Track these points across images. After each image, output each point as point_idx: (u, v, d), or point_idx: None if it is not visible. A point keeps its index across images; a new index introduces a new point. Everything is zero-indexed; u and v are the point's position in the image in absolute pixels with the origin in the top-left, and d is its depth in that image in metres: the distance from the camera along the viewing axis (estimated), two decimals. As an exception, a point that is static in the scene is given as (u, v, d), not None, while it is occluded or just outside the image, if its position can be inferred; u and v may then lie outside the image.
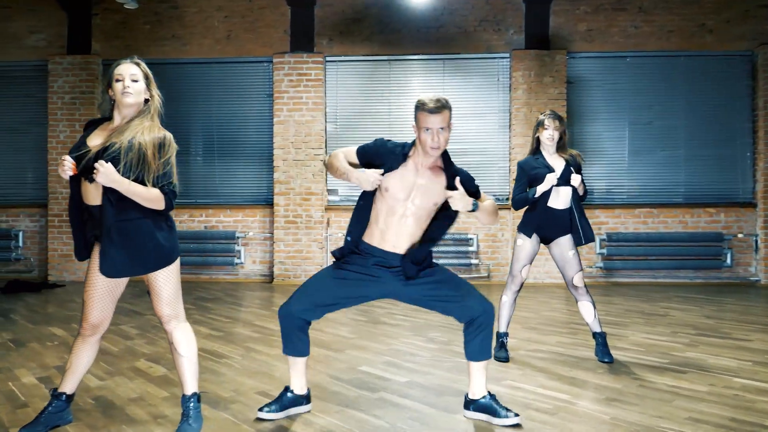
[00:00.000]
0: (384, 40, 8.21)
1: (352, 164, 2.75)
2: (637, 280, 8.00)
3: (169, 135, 2.50)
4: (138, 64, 2.49)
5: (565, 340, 4.57)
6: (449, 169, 2.75)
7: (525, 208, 4.04)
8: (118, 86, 2.46)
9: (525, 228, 3.97)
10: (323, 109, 8.14)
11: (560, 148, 3.94)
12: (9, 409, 2.95)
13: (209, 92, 8.35)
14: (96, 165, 2.31)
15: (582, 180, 3.88)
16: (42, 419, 2.53)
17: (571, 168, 3.87)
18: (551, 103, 7.91)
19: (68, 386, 2.58)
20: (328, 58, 8.20)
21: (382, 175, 2.66)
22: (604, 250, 7.93)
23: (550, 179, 3.79)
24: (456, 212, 2.76)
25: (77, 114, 8.15)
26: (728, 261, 7.97)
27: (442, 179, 2.74)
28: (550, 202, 3.89)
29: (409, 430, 2.70)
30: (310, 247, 8.06)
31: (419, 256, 2.72)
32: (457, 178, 2.69)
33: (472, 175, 2.83)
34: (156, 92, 2.53)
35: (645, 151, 8.15)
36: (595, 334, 3.99)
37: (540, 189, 3.83)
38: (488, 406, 2.78)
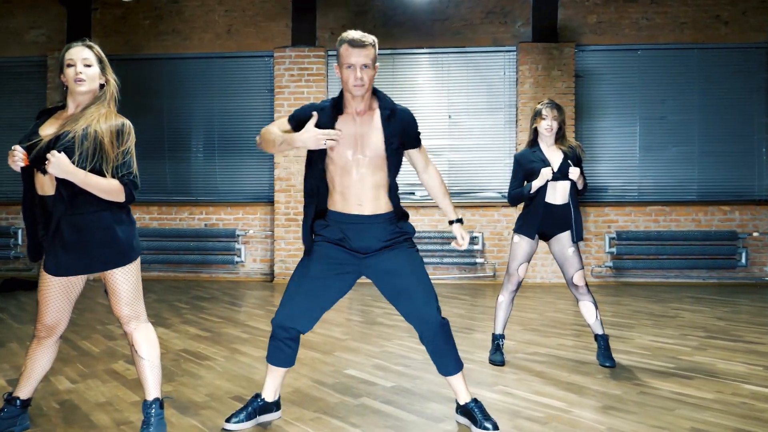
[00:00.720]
0: (387, 33, 8.02)
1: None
2: (648, 280, 7.73)
3: (127, 122, 2.35)
4: (90, 47, 2.34)
5: (567, 343, 4.36)
6: (384, 107, 2.53)
7: (522, 206, 3.84)
8: (69, 72, 2.30)
9: (523, 229, 3.75)
10: (325, 104, 7.96)
11: (559, 139, 3.72)
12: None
13: (210, 88, 8.21)
14: (48, 155, 2.16)
15: (581, 173, 3.67)
16: None
17: (569, 161, 3.65)
18: (559, 98, 7.66)
19: (23, 391, 2.43)
20: (330, 53, 8.04)
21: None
22: (614, 249, 7.66)
23: (545, 174, 3.58)
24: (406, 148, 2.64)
25: (77, 110, 8.06)
26: (743, 260, 7.67)
27: (380, 120, 2.53)
28: (548, 198, 3.68)
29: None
30: (311, 246, 7.88)
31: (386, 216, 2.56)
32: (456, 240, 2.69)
33: (412, 114, 2.63)
34: (112, 77, 2.38)
35: (657, 147, 7.87)
36: (597, 337, 3.78)
37: (535, 184, 3.63)
38: (470, 413, 2.59)
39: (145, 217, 8.17)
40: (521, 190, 3.73)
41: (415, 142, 2.63)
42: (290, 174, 7.93)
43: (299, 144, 2.42)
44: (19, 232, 8.24)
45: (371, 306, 5.93)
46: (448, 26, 7.97)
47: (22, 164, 2.23)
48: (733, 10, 7.69)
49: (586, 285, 3.74)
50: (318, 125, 2.45)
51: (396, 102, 2.63)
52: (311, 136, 2.40)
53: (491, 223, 7.85)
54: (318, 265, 2.54)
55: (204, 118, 8.18)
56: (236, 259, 8.03)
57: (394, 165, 2.55)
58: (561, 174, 3.63)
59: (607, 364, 3.66)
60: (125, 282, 2.34)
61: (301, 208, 7.84)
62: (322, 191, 2.57)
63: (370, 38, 2.46)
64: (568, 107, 7.67)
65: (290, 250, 7.92)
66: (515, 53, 7.86)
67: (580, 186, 3.68)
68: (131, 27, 8.24)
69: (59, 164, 2.16)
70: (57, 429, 2.59)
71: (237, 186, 8.19)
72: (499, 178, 7.95)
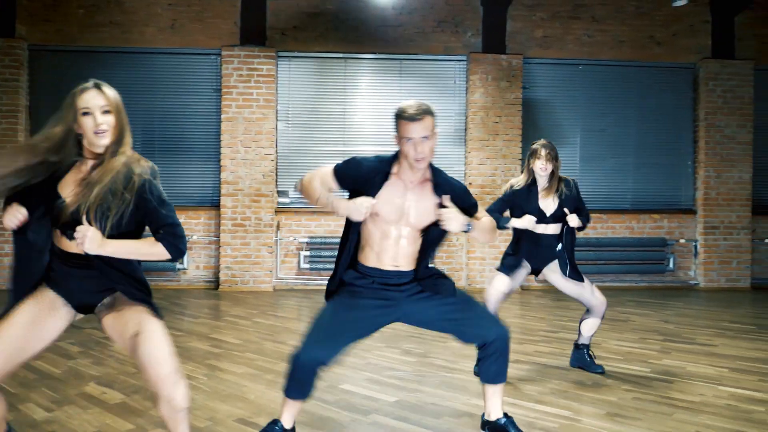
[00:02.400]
0: (340, 37, 7.92)
1: (329, 189, 2.47)
2: (588, 284, 8.09)
3: (154, 166, 2.10)
4: (103, 92, 2.05)
5: (543, 350, 4.47)
6: (438, 182, 2.49)
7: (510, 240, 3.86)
8: (87, 123, 2.01)
9: (508, 269, 3.76)
10: (275, 106, 7.75)
11: (553, 182, 3.73)
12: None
13: (151, 84, 7.75)
14: (78, 233, 1.94)
15: (584, 211, 3.73)
16: None
17: (564, 209, 3.68)
18: (508, 108, 7.89)
19: None
20: (280, 54, 7.82)
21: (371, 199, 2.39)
22: (557, 255, 7.96)
23: (528, 222, 3.62)
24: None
25: (-2, 104, 7.36)
26: (671, 265, 8.23)
27: (433, 193, 2.48)
28: (539, 229, 3.71)
29: (417, 459, 2.46)
30: (259, 252, 7.64)
31: (423, 273, 2.50)
32: (446, 197, 2.43)
33: (465, 186, 2.61)
34: (126, 119, 2.11)
35: (596, 158, 8.28)
36: (582, 345, 3.90)
37: (516, 224, 3.66)
38: (502, 429, 2.58)
39: (76, 222, 7.57)
40: (499, 217, 3.70)
41: (471, 210, 2.56)
42: (238, 178, 7.64)
43: (343, 213, 2.36)
44: None
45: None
46: (401, 33, 7.99)
47: (15, 226, 1.98)
48: (665, 32, 8.24)
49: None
50: (367, 187, 2.39)
51: (445, 174, 2.55)
52: (359, 211, 2.33)
53: (483, 243, 7.92)
54: (350, 301, 2.45)
55: (143, 116, 7.69)
56: (178, 266, 7.63)
57: (432, 238, 2.51)
58: (553, 219, 3.67)
59: (598, 371, 3.78)
60: (160, 325, 2.09)
61: (249, 213, 7.61)
62: (354, 245, 2.50)
63: (425, 107, 2.38)
64: (516, 117, 7.91)
65: (237, 256, 7.63)
66: (466, 62, 8.00)
67: (577, 225, 3.68)
68: (63, 16, 7.63)
69: (94, 241, 1.94)
70: (57, 466, 2.32)
71: (179, 189, 7.77)
72: (449, 185, 8.04)
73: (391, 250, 2.46)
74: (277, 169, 7.83)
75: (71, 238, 2.00)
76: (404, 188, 2.45)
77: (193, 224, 7.75)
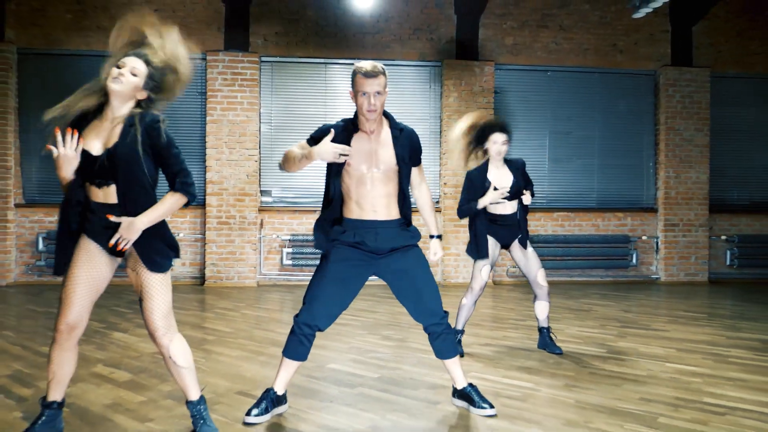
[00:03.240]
0: (320, 43, 8.27)
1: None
2: (556, 279, 8.57)
3: (160, 115, 2.43)
4: (148, 63, 2.41)
5: (511, 335, 4.88)
6: (395, 130, 2.87)
7: (469, 226, 4.17)
8: (112, 71, 2.38)
9: (477, 254, 4.09)
10: (258, 109, 8.06)
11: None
12: (-30, 420, 2.77)
13: (137, 88, 7.99)
14: (120, 235, 2.31)
15: (531, 188, 4.13)
16: (36, 430, 2.40)
17: (520, 183, 4.06)
18: (480, 112, 8.29)
19: (57, 394, 2.46)
20: (263, 58, 8.14)
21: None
22: (528, 251, 8.42)
23: (495, 196, 3.95)
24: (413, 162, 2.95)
25: (-13, 105, 7.53)
26: (634, 261, 8.75)
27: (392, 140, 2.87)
28: (498, 210, 4.10)
29: (399, 420, 2.83)
30: (243, 249, 7.94)
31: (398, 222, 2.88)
32: (432, 248, 3.04)
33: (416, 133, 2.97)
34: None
35: (563, 159, 8.76)
36: (543, 329, 4.31)
37: (482, 202, 3.99)
38: (467, 396, 2.96)
39: (63, 220, 7.77)
40: (471, 206, 4.06)
41: (417, 159, 2.98)
42: (222, 177, 7.93)
43: (316, 156, 2.70)
44: None
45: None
46: (378, 39, 8.36)
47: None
48: (627, 40, 8.77)
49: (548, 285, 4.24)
50: (335, 142, 2.73)
51: (402, 124, 2.94)
52: (327, 149, 2.68)
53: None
54: (338, 267, 2.80)
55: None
56: (165, 263, 7.87)
57: (404, 176, 2.87)
58: (511, 195, 4.03)
59: (557, 351, 4.19)
60: (163, 290, 2.43)
61: (233, 211, 7.90)
62: (339, 201, 2.84)
63: (380, 67, 2.77)
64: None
65: (222, 253, 7.91)
66: (440, 68, 8.41)
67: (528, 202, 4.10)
68: (51, 20, 7.83)
69: (132, 228, 2.31)
70: (84, 430, 2.63)
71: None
72: (425, 184, 8.44)
73: (369, 196, 2.80)
74: (260, 169, 8.14)
75: (101, 186, 2.35)
76: (368, 138, 2.83)
77: (179, 222, 8.01)
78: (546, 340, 4.29)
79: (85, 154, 2.35)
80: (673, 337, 4.83)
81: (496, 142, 4.06)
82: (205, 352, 4.16)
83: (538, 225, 8.58)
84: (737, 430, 2.73)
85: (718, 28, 8.95)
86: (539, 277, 4.19)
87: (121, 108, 2.42)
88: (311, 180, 8.25)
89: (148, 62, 2.41)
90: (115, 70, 2.38)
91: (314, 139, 2.81)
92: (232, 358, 4.00)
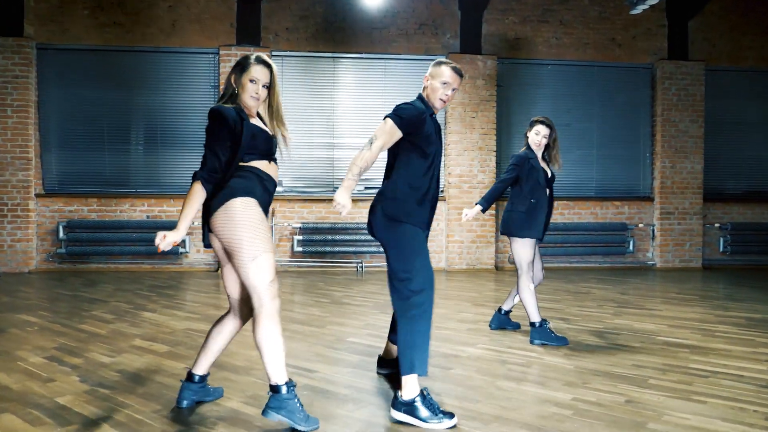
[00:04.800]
0: (328, 38, 8.56)
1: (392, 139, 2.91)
2: (556, 265, 8.92)
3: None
4: (272, 71, 2.64)
5: (514, 313, 5.20)
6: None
7: (524, 209, 4.28)
8: (250, 87, 2.58)
9: (530, 231, 4.21)
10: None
11: (546, 155, 4.40)
12: (39, 383, 3.09)
13: (153, 81, 8.31)
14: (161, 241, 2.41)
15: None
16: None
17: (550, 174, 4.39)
18: (483, 104, 8.63)
19: (201, 368, 2.72)
20: (273, 53, 8.43)
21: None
22: (528, 239, 8.76)
23: (473, 213, 4.20)
24: None
25: (9, 99, 7.82)
26: (631, 248, 9.09)
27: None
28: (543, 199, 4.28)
29: (424, 381, 3.16)
30: (255, 237, 8.25)
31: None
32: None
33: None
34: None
35: (563, 150, 8.94)
36: (505, 311, 4.57)
37: (470, 213, 4.21)
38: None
39: (83, 209, 8.10)
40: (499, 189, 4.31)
41: None
42: (235, 168, 8.22)
43: (338, 198, 2.75)
44: None
45: (329, 290, 6.49)
46: (385, 35, 8.66)
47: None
48: (625, 35, 9.06)
49: None
50: (424, 126, 2.89)
51: None
52: (343, 209, 2.75)
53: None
54: (422, 235, 2.94)
55: (146, 111, 8.26)
56: (180, 249, 8.22)
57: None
58: (548, 184, 4.32)
59: (512, 327, 4.55)
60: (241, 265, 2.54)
61: (248, 201, 8.18)
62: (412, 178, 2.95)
63: (463, 72, 3.04)
64: (491, 113, 8.65)
65: (235, 241, 8.22)
66: (445, 62, 8.69)
67: None
68: (69, 17, 8.12)
69: (170, 241, 2.43)
70: (137, 390, 2.97)
71: (180, 179, 8.34)
72: (430, 174, 8.76)
73: (435, 177, 2.96)
74: (271, 160, 8.44)
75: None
76: (432, 121, 3.00)
77: (194, 212, 8.32)
78: (548, 333, 4.37)
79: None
80: (665, 315, 5.17)
81: (538, 134, 4.32)
82: (232, 328, 4.49)
83: (539, 213, 8.89)
84: (717, 389, 3.08)
85: (712, 24, 9.24)
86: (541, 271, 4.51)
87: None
88: (320, 170, 8.57)
89: (270, 68, 2.74)
90: (252, 87, 2.64)
91: (409, 126, 2.84)
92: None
